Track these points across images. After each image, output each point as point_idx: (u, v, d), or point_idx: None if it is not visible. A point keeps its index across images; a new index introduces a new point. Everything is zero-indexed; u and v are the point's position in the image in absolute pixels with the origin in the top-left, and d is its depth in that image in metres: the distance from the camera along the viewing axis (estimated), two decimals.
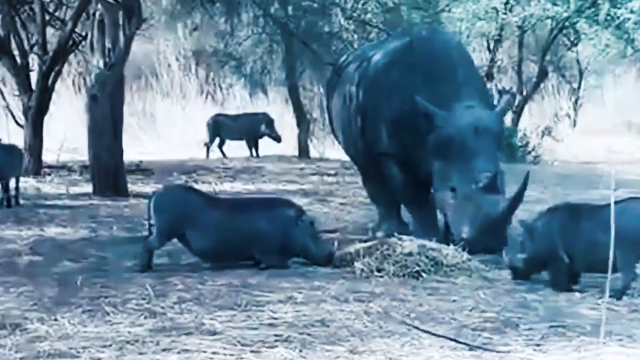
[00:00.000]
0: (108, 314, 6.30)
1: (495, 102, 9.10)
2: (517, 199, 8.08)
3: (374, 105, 9.22)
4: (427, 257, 7.69)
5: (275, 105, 22.91)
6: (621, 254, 6.53)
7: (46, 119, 15.12)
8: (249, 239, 7.94)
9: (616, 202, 7.07)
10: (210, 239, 7.90)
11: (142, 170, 15.44)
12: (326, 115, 12.27)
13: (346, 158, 11.05)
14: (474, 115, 8.40)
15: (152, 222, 7.96)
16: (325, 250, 8.12)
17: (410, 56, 9.14)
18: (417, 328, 5.91)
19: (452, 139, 8.34)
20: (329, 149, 19.20)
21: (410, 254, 7.72)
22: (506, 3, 18.46)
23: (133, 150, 16.41)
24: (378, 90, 9.18)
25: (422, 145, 8.58)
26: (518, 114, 20.11)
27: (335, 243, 8.20)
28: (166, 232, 7.96)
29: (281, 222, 8.02)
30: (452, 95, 8.52)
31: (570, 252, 7.08)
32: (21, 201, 11.48)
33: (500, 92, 9.03)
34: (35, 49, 15.18)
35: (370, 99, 9.28)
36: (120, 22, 12.42)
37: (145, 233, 8.19)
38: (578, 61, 24.33)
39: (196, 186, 11.51)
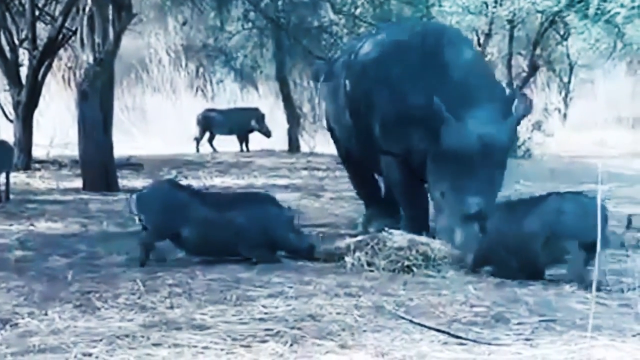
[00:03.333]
0: (98, 308, 6.29)
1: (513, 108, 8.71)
2: None
3: (378, 102, 8.97)
4: (417, 251, 7.70)
5: (265, 99, 22.89)
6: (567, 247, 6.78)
7: (36, 114, 15.10)
8: (233, 235, 7.92)
9: (536, 199, 7.42)
10: (196, 235, 7.89)
11: (133, 165, 15.43)
12: (317, 110, 12.22)
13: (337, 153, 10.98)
14: (482, 130, 8.18)
15: (142, 218, 7.94)
16: (306, 243, 8.13)
17: (419, 53, 8.89)
18: (411, 321, 5.92)
19: (455, 152, 8.17)
20: (320, 143, 19.19)
21: (400, 248, 7.72)
22: None
23: (123, 145, 16.38)
24: (381, 87, 8.98)
25: (425, 146, 8.46)
26: None
27: (319, 236, 8.18)
28: (159, 229, 7.94)
29: (263, 218, 8.01)
30: (464, 101, 8.27)
31: (505, 247, 7.31)
32: (11, 196, 11.46)
33: (519, 98, 8.61)
34: (25, 43, 15.17)
35: (373, 96, 9.02)
36: (110, 17, 12.40)
37: (135, 228, 8.16)
38: (568, 55, 24.31)
39: (186, 181, 11.52)
